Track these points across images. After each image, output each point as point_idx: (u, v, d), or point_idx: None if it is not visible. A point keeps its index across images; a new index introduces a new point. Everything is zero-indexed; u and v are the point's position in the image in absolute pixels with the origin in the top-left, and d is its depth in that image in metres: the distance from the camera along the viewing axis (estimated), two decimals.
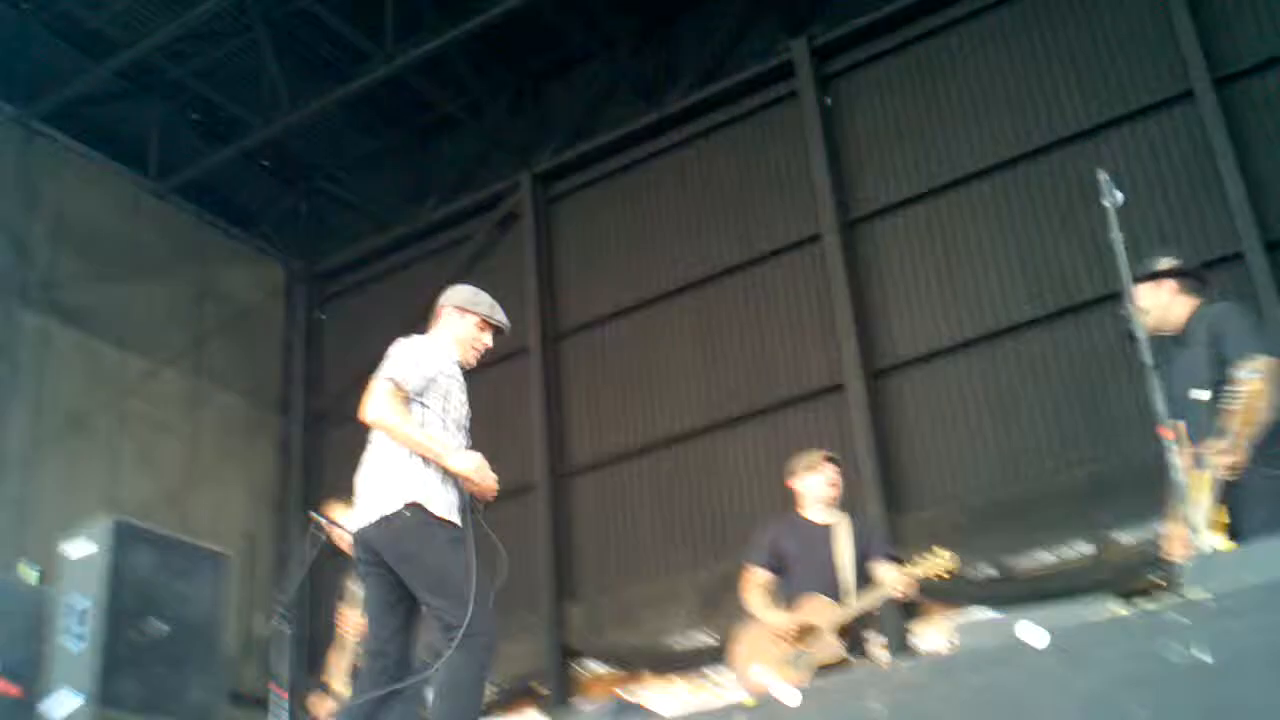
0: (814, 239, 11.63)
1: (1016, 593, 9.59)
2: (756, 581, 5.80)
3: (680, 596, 11.35)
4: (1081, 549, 9.81)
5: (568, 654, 11.81)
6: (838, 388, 11.04)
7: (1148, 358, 3.90)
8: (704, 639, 11.13)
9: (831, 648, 5.38)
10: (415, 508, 4.13)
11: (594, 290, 13.00)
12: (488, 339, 4.65)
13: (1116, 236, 4.19)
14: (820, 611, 5.51)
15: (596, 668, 11.86)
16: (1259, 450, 4.19)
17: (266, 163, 14.58)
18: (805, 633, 5.46)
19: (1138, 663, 2.55)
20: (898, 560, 5.62)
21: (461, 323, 4.62)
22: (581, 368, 12.84)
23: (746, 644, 5.70)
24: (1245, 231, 9.56)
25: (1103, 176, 4.29)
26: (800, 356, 11.51)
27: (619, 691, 10.99)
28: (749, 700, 2.89)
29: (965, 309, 10.77)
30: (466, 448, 4.33)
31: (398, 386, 4.23)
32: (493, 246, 13.84)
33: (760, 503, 11.10)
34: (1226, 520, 4.18)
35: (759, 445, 11.44)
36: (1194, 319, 4.62)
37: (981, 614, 8.85)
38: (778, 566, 5.81)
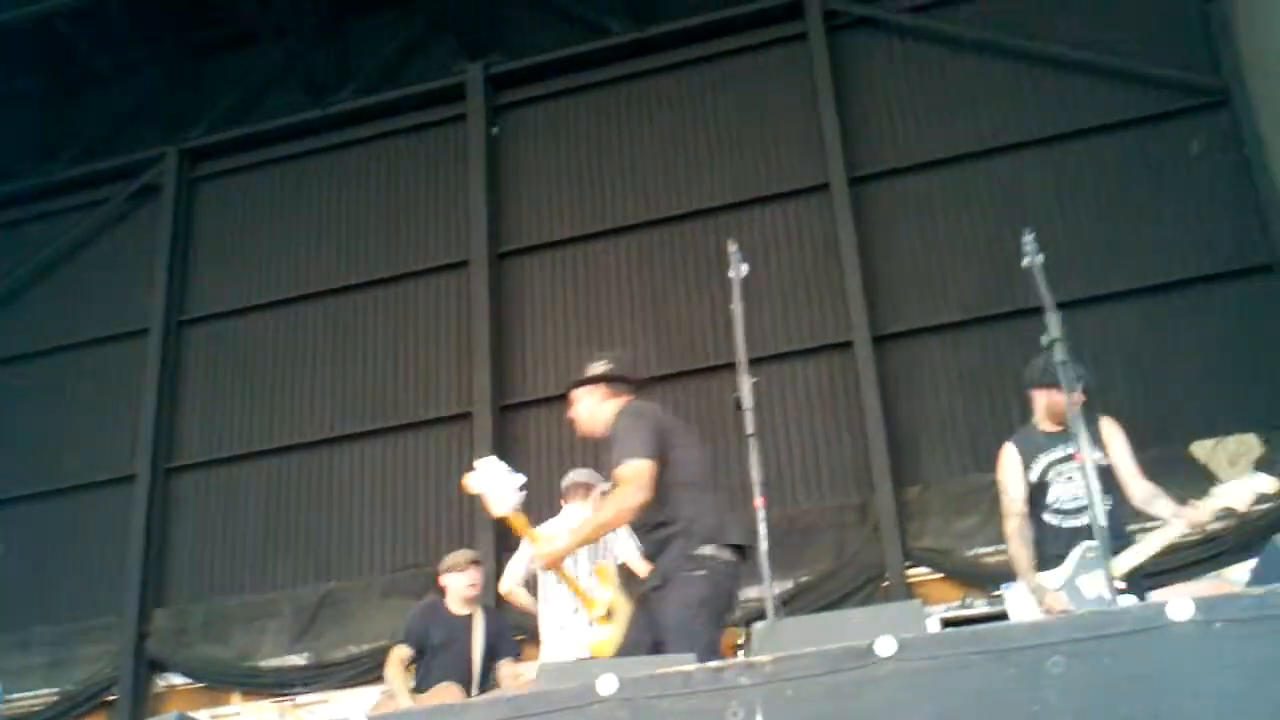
0: (462, 264, 11.62)
1: None
2: (400, 657, 6.29)
3: (277, 613, 10.92)
4: None
5: (149, 663, 11.09)
6: (465, 416, 11.04)
7: (751, 427, 4.11)
8: (296, 660, 10.77)
9: None
10: None
11: (230, 280, 12.43)
12: None
13: (738, 307, 4.40)
14: (449, 700, 5.69)
15: (178, 681, 11.18)
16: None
17: None
18: None
19: (697, 719, 2.65)
20: (518, 658, 6.47)
21: None
22: (205, 359, 12.23)
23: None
24: (857, 322, 10.31)
25: (732, 248, 4.51)
26: (433, 380, 11.44)
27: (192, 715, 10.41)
28: None
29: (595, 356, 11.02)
30: None
31: None
32: (127, 216, 13.02)
33: (373, 525, 10.96)
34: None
35: (379, 465, 11.27)
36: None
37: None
38: (421, 649, 6.34)
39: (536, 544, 4.57)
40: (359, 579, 10.80)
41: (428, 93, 12.37)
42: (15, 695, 11.15)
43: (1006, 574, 8.75)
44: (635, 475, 4.34)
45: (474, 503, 10.24)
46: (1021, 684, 2.47)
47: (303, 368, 11.85)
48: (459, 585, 6.57)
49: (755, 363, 9.62)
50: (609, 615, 4.69)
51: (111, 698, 10.94)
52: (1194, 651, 2.45)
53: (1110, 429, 5.58)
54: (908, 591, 9.31)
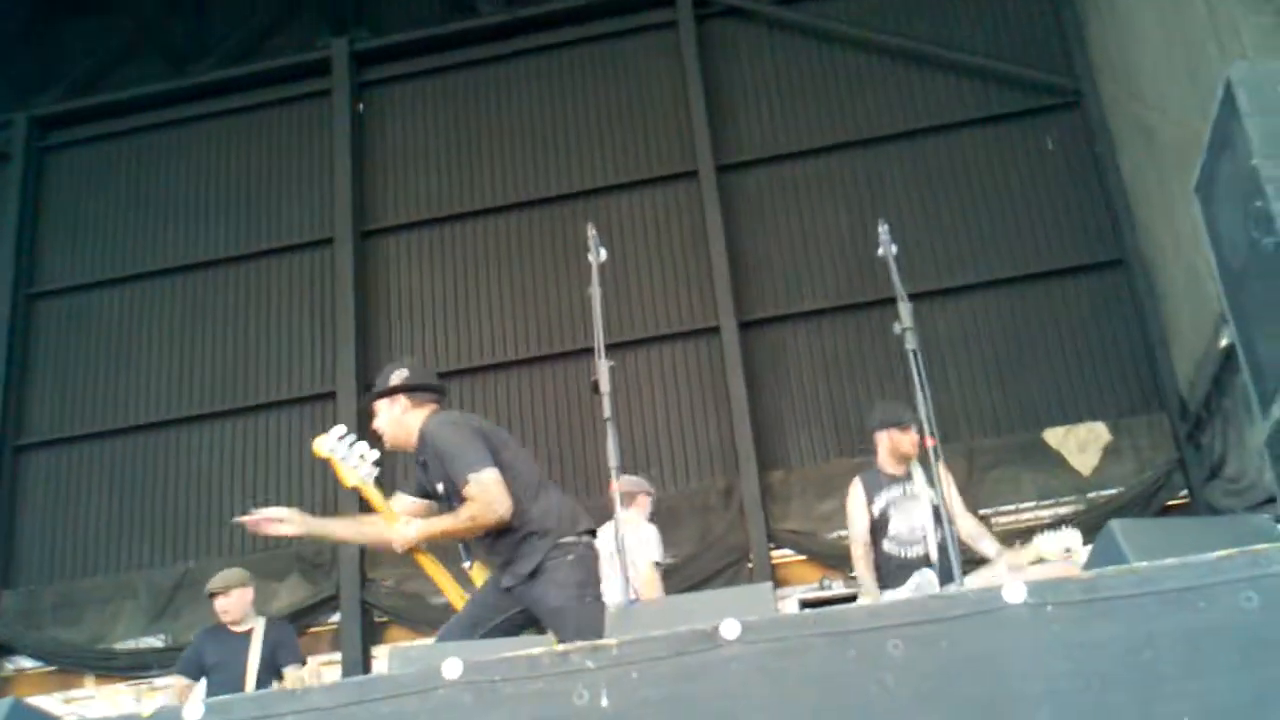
0: (326, 242, 11.44)
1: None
2: (178, 689, 6.46)
3: (132, 595, 10.67)
4: None
5: None
6: (329, 395, 10.89)
7: (609, 411, 4.11)
8: (153, 642, 10.54)
9: None
10: None
11: (81, 253, 12.03)
12: None
13: (595, 291, 4.40)
14: None
15: (28, 664, 10.85)
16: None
17: None
18: None
19: (543, 701, 2.64)
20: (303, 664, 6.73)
21: None
22: (52, 333, 11.82)
23: None
24: (724, 308, 10.42)
25: (591, 232, 4.50)
26: (294, 358, 11.25)
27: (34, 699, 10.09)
28: (146, 711, 2.73)
29: (461, 338, 10.99)
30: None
31: None
32: None
33: (233, 505, 10.67)
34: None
35: (236, 444, 11.07)
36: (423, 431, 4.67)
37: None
38: (198, 674, 6.49)
39: (390, 521, 4.52)
40: (216, 559, 10.55)
41: (291, 67, 12.12)
42: None
43: None
44: (488, 487, 4.32)
45: (335, 483, 10.18)
46: (861, 666, 2.52)
47: (157, 345, 11.54)
48: (217, 609, 6.73)
49: (622, 346, 9.72)
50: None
51: None
52: (1027, 634, 2.52)
53: (943, 471, 6.02)
54: (771, 574, 9.48)
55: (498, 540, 4.47)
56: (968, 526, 5.99)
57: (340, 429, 4.81)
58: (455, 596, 4.70)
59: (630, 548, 6.63)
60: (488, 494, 4.31)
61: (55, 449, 11.41)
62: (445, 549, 4.72)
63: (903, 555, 5.94)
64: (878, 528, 6.00)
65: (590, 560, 4.46)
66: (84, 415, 11.46)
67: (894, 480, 6.07)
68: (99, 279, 11.89)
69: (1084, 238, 10.30)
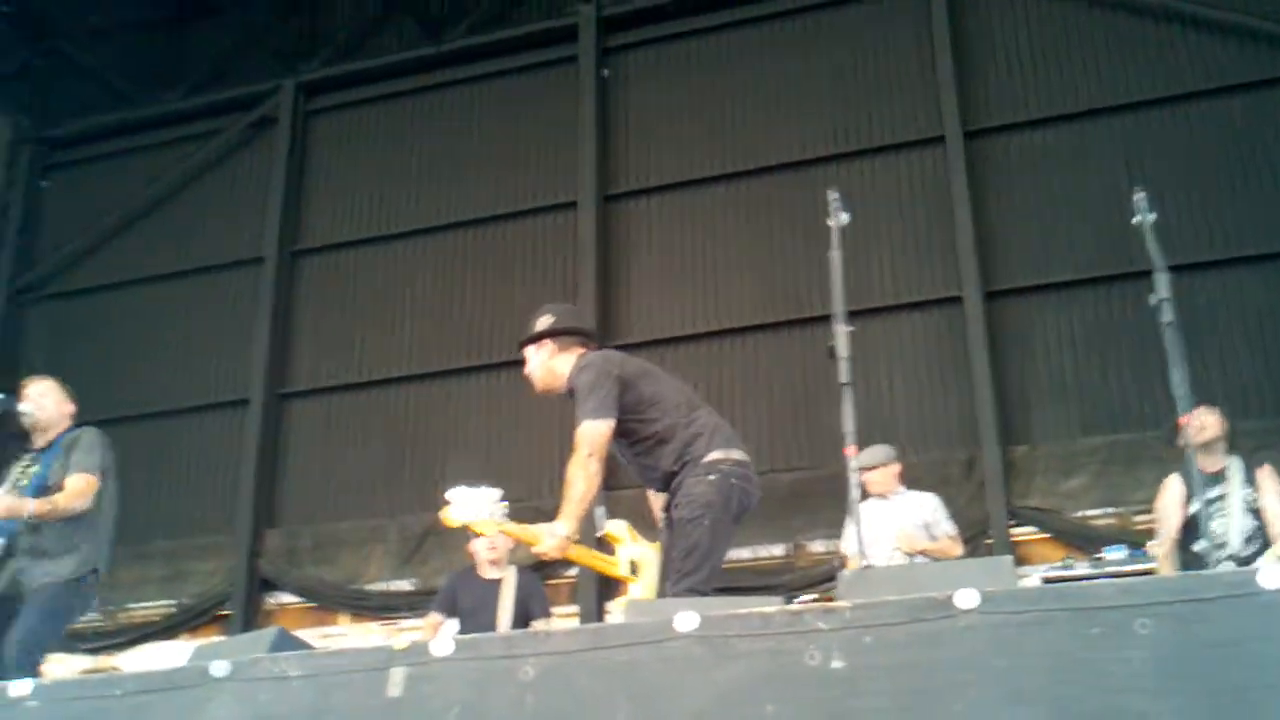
0: (570, 205, 11.67)
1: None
2: (430, 624, 6.51)
3: (384, 539, 11.19)
4: (774, 551, 10.22)
5: (261, 582, 11.44)
6: None
7: (846, 376, 4.08)
8: (402, 585, 11.04)
9: None
10: None
11: (342, 213, 12.65)
12: None
13: (836, 255, 4.35)
14: None
15: (288, 599, 11.54)
16: None
17: (8, 7, 13.50)
18: None
19: (775, 660, 2.66)
20: (550, 616, 6.59)
21: None
22: (317, 289, 12.49)
23: None
24: (968, 278, 10.15)
25: (833, 196, 4.45)
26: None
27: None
28: (400, 644, 2.88)
29: (699, 301, 11.03)
30: None
31: None
32: (242, 148, 13.29)
33: (475, 457, 11.09)
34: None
35: (484, 400, 11.42)
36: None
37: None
38: (450, 614, 6.57)
39: (538, 545, 4.40)
40: None
41: (540, 33, 12.39)
42: (133, 605, 11.63)
43: (1113, 537, 8.72)
44: (587, 438, 4.29)
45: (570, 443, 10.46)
46: (1105, 643, 2.43)
47: (410, 302, 12.03)
48: (479, 549, 6.70)
49: (862, 314, 9.58)
50: (634, 571, 4.61)
51: (225, 612, 11.33)
52: None
53: (1265, 476, 5.86)
54: (1010, 550, 9.22)
55: (655, 466, 4.44)
56: None
57: (458, 491, 4.63)
58: (618, 572, 4.66)
59: (933, 521, 6.81)
60: (584, 444, 4.27)
61: (317, 398, 12.07)
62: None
63: (1214, 559, 5.65)
64: (1189, 528, 5.75)
65: (728, 487, 4.29)
66: (343, 366, 12.06)
67: (1212, 479, 5.81)
68: (357, 237, 12.47)
69: None
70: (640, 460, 4.48)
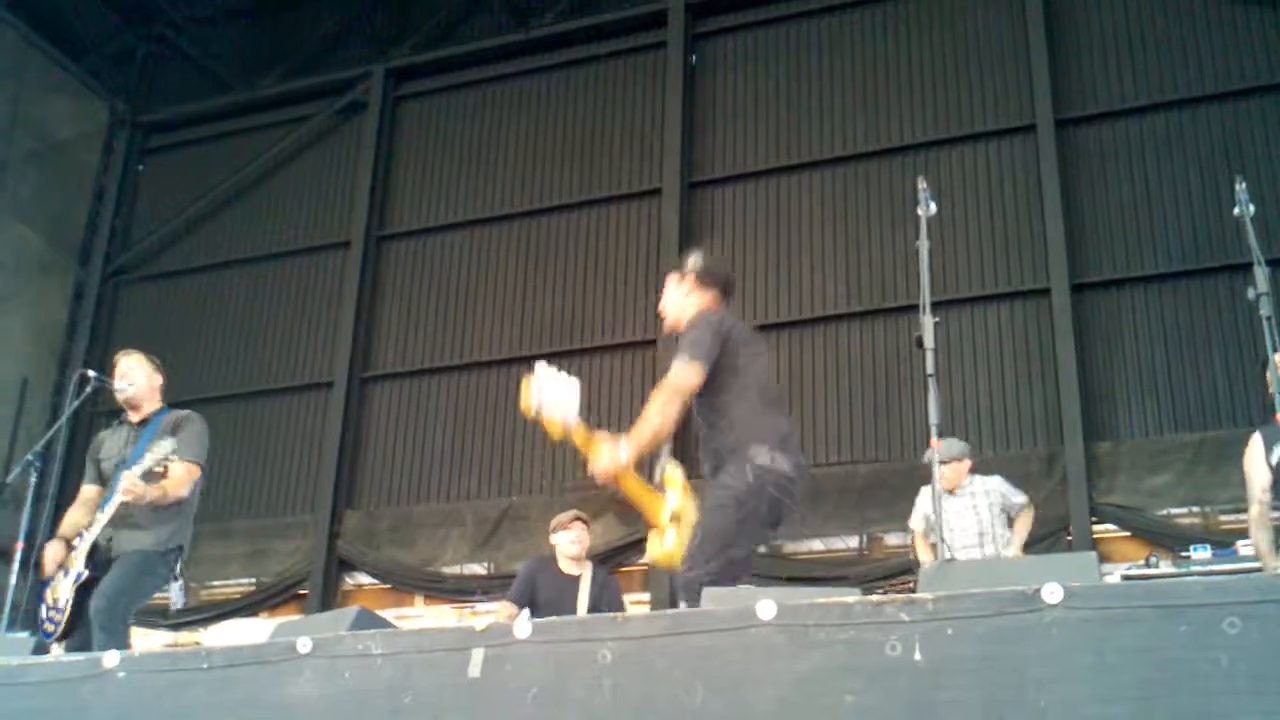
0: (655, 192, 11.67)
1: (782, 572, 9.84)
2: (505, 615, 6.39)
3: (460, 523, 11.28)
4: (849, 543, 10.16)
5: (339, 562, 11.61)
6: (651, 343, 11.13)
7: (932, 368, 4.03)
8: (476, 569, 11.15)
9: None
10: None
11: (428, 198, 12.78)
12: None
13: (923, 245, 4.30)
14: None
15: (366, 580, 11.73)
16: None
17: None
18: None
19: (855, 650, 2.65)
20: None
21: None
22: (401, 273, 12.63)
23: None
24: (1055, 269, 9.99)
25: (922, 185, 4.39)
26: (620, 306, 11.54)
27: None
28: (481, 626, 2.91)
29: (784, 290, 10.97)
30: None
31: None
32: (331, 133, 13.48)
33: (553, 445, 11.12)
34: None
35: None
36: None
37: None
38: (526, 604, 6.49)
39: (597, 460, 4.25)
40: (538, 496, 11.04)
41: (628, 19, 12.40)
42: (215, 582, 11.87)
43: (1197, 536, 8.51)
44: (674, 380, 4.29)
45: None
46: (1193, 642, 2.39)
47: (493, 287, 12.11)
48: (562, 543, 6.70)
49: (948, 304, 9.45)
50: (676, 519, 4.50)
51: (303, 592, 11.52)
52: None
53: None
54: (1092, 547, 9.06)
55: (711, 438, 4.41)
56: None
57: (542, 369, 4.34)
58: (658, 517, 4.49)
59: (1008, 504, 6.96)
60: (672, 382, 4.27)
61: (399, 381, 12.20)
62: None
63: None
64: (1278, 482, 5.35)
65: (764, 493, 4.20)
66: (425, 350, 12.18)
67: None
68: (442, 223, 12.58)
69: None
70: (704, 424, 4.48)
